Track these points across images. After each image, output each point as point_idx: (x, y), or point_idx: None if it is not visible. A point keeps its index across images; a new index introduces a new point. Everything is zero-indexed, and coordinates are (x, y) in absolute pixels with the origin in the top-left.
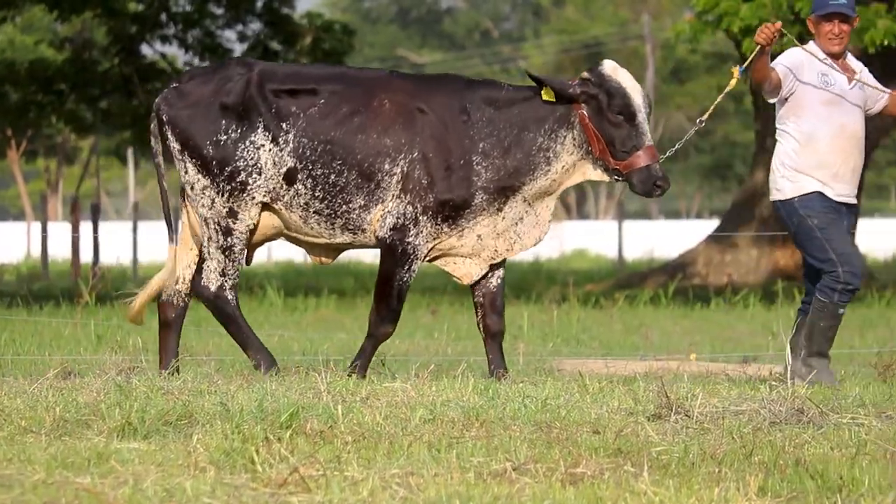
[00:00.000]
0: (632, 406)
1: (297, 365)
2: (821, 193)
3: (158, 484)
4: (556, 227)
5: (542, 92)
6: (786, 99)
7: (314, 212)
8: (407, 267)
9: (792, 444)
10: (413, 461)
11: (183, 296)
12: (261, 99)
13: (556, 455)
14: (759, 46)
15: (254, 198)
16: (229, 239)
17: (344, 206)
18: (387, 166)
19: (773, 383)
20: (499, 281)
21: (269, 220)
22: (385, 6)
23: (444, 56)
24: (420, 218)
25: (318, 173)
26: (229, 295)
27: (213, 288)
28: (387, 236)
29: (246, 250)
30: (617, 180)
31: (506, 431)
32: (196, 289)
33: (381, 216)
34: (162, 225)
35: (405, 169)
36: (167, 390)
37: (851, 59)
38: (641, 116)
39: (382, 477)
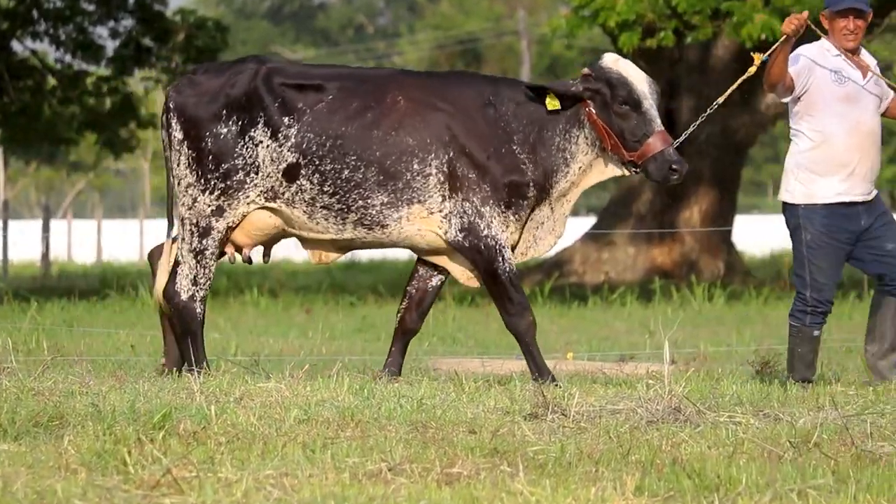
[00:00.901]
0: (508, 405)
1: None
2: (828, 206)
3: (29, 486)
4: None
5: (547, 101)
6: (799, 97)
7: (322, 206)
8: (501, 257)
9: (669, 442)
10: (287, 462)
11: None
12: (265, 91)
13: (431, 455)
14: (784, 37)
15: (248, 196)
16: (204, 241)
17: (360, 202)
18: (416, 166)
19: (650, 382)
20: (437, 283)
21: (269, 220)
22: (258, 2)
23: (317, 52)
24: (483, 209)
25: (328, 168)
26: (198, 308)
27: (183, 297)
28: (460, 239)
29: (216, 257)
30: (635, 173)
31: (381, 431)
32: (167, 293)
33: (440, 224)
34: (31, 224)
35: (444, 169)
36: (37, 391)
37: (865, 55)
38: (648, 103)
39: (256, 478)
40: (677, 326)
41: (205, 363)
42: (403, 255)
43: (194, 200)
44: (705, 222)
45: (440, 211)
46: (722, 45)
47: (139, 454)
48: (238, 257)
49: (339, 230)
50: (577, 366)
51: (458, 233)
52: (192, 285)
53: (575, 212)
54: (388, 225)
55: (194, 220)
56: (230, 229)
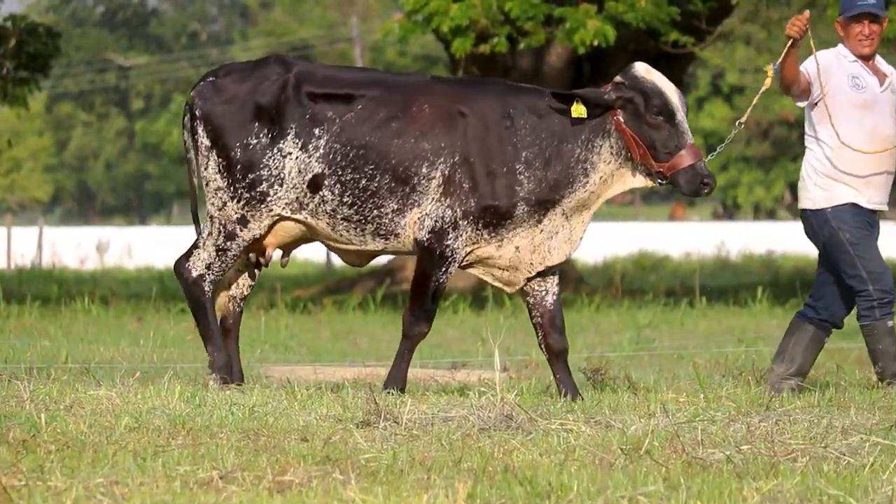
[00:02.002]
0: (340, 413)
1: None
2: (854, 204)
3: None
4: None
5: (573, 109)
6: (815, 103)
7: (342, 218)
8: (444, 269)
9: (501, 450)
10: (118, 470)
11: (237, 300)
12: (296, 102)
13: (263, 463)
14: (790, 41)
15: (271, 210)
16: (229, 243)
17: (375, 212)
18: (425, 170)
19: (482, 389)
20: (554, 298)
21: (296, 229)
22: (91, 8)
23: (150, 59)
24: (460, 222)
25: (348, 178)
26: (206, 287)
27: (194, 273)
28: (424, 239)
29: (239, 257)
30: (661, 184)
31: (212, 439)
32: (178, 267)
33: (419, 219)
34: None
35: (446, 172)
36: None
37: (881, 62)
38: (681, 115)
39: (87, 486)
40: (510, 334)
41: (219, 342)
42: None
43: (223, 203)
44: None
45: (423, 212)
46: (555, 51)
47: None
48: (264, 258)
49: (360, 241)
50: (410, 373)
51: (427, 234)
52: (205, 269)
53: None
54: (399, 234)
55: (223, 222)
56: (256, 240)
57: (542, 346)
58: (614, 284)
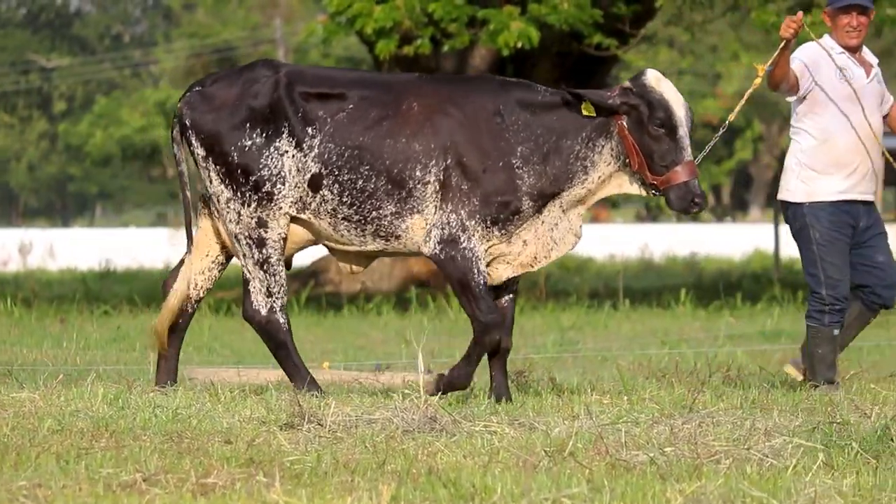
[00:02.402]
0: (264, 415)
1: None
2: (834, 203)
3: None
4: None
5: (582, 107)
6: (804, 96)
7: (343, 218)
8: (474, 268)
9: (425, 452)
10: (41, 473)
11: (192, 301)
12: (289, 101)
13: (186, 465)
14: (783, 42)
15: (281, 208)
16: (264, 250)
17: (374, 213)
18: (418, 173)
19: (406, 391)
20: (509, 299)
21: (301, 231)
22: (14, 10)
23: (73, 60)
24: (467, 223)
25: (345, 178)
26: (281, 318)
27: (263, 312)
28: (438, 251)
29: (283, 260)
30: (654, 195)
31: (136, 442)
32: (246, 314)
33: (426, 231)
34: None
35: (441, 177)
36: None
37: (867, 53)
38: (683, 131)
39: (9, 489)
40: (434, 336)
41: (306, 372)
42: (159, 264)
43: (239, 215)
44: None
45: (428, 221)
46: (479, 53)
47: None
48: None
49: (361, 241)
50: (334, 375)
51: (437, 245)
52: (268, 297)
53: None
54: (400, 235)
55: (246, 234)
56: (283, 240)
57: None
58: (538, 286)
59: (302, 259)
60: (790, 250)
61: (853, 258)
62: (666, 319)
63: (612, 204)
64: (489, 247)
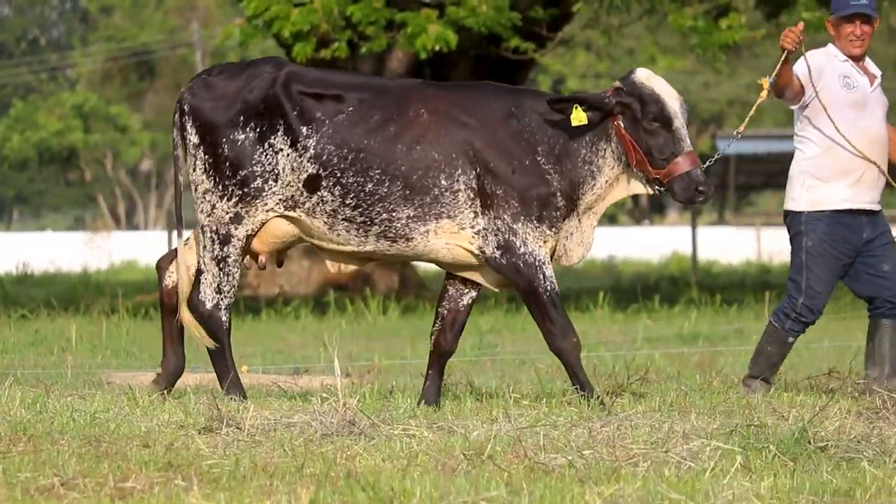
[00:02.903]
0: (182, 419)
1: None
2: (833, 214)
3: None
4: (105, 238)
5: (572, 116)
6: (807, 104)
7: (344, 219)
8: (542, 275)
9: (343, 455)
10: None
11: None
12: (285, 99)
13: (105, 469)
14: (784, 52)
15: (266, 204)
16: (226, 248)
17: (384, 215)
18: (444, 181)
19: (325, 395)
20: (469, 301)
21: (287, 228)
22: None
23: None
24: (515, 226)
25: (350, 181)
26: (223, 317)
27: (208, 306)
28: (498, 257)
29: (240, 261)
30: (659, 191)
31: (54, 446)
32: (191, 304)
33: (473, 238)
34: None
35: (474, 185)
36: None
37: (870, 64)
38: (678, 122)
39: None
40: (352, 340)
41: (235, 375)
42: (76, 268)
43: (213, 207)
44: None
45: (472, 227)
46: (396, 56)
47: None
48: (255, 265)
49: (360, 242)
50: (252, 379)
51: (495, 250)
52: (217, 293)
53: None
54: (413, 238)
55: (214, 228)
56: (250, 237)
57: (432, 339)
58: None
59: None
60: (707, 253)
61: (861, 270)
62: (584, 322)
63: None
64: (550, 248)
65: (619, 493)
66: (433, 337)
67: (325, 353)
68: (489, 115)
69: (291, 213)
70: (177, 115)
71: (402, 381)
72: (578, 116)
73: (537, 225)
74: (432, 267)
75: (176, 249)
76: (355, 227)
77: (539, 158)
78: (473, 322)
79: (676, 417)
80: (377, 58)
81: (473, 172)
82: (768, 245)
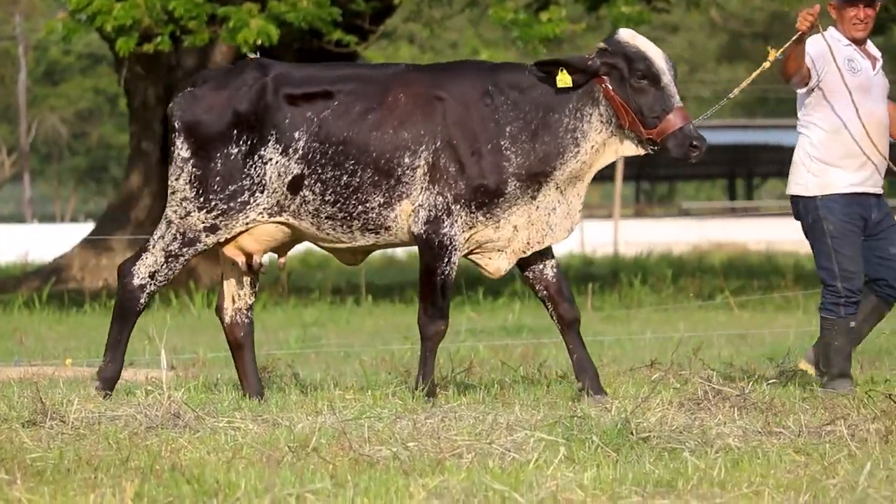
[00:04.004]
0: (6, 412)
1: None
2: (845, 195)
3: None
4: None
5: (557, 79)
6: (812, 89)
7: (326, 217)
8: (447, 259)
9: (168, 448)
10: None
11: (244, 312)
12: (276, 107)
13: None
14: (798, 34)
15: (248, 216)
16: (184, 249)
17: (360, 207)
18: (407, 160)
19: (149, 388)
20: (554, 270)
21: (278, 233)
22: None
23: None
24: (452, 207)
25: (328, 176)
26: (142, 299)
27: (135, 282)
28: (422, 231)
29: (188, 262)
30: (653, 150)
31: None
32: (121, 269)
33: (413, 211)
34: None
35: (430, 160)
36: None
37: (871, 46)
38: (667, 78)
39: None
40: (177, 333)
41: (121, 358)
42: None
43: (187, 213)
44: None
45: (416, 202)
46: (219, 50)
47: None
48: (252, 265)
49: (350, 238)
50: (77, 372)
51: (423, 225)
52: (149, 278)
53: (73, 217)
54: (389, 227)
55: (182, 230)
56: (218, 244)
57: (554, 317)
58: (280, 283)
59: (44, 256)
60: None
61: (865, 251)
62: (408, 315)
63: None
64: (472, 233)
65: (443, 485)
66: (553, 318)
67: (150, 347)
68: (463, 94)
69: (278, 219)
70: (167, 131)
71: (228, 374)
72: (564, 79)
73: (473, 211)
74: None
75: (223, 288)
76: (339, 223)
77: (503, 143)
78: (298, 315)
79: (501, 409)
80: (201, 51)
81: (434, 146)
82: (591, 237)
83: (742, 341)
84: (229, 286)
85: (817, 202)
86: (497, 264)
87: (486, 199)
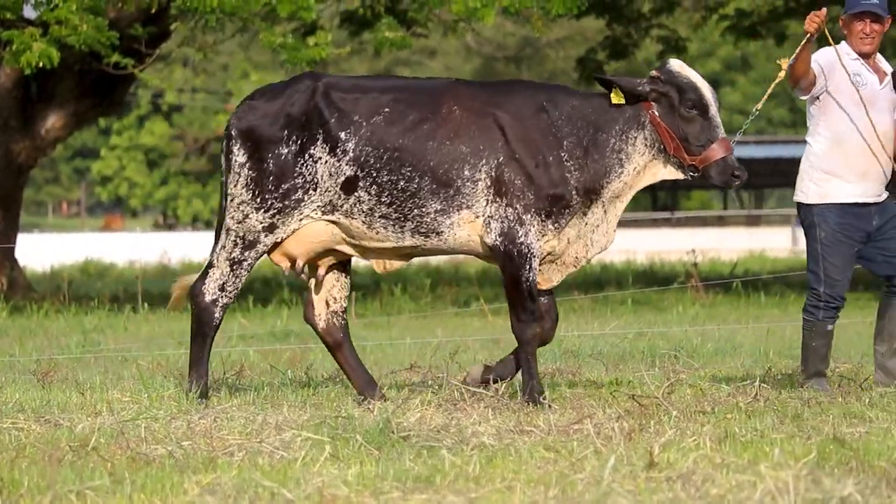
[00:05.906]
0: None
1: None
2: (843, 205)
3: None
4: None
5: (612, 95)
6: (817, 97)
7: (380, 216)
8: (528, 266)
9: None
10: None
11: (339, 315)
12: (325, 107)
13: None
14: (807, 36)
15: (302, 213)
16: (246, 252)
17: (416, 210)
18: (467, 172)
19: None
20: (547, 296)
21: (326, 229)
22: None
23: None
24: (524, 217)
25: (385, 180)
26: (217, 315)
27: (207, 298)
28: (497, 242)
29: (251, 268)
30: (692, 177)
31: None
32: (193, 291)
33: (484, 223)
34: None
35: (493, 174)
36: None
37: (881, 60)
38: (714, 110)
39: None
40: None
41: (204, 371)
42: None
43: (245, 216)
44: None
45: (483, 215)
46: (3, 72)
47: None
48: (292, 271)
49: (398, 238)
50: None
51: (497, 237)
52: (219, 291)
53: None
54: (442, 232)
55: (241, 234)
56: (276, 244)
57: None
58: (62, 291)
59: None
60: None
61: (874, 253)
62: (183, 322)
63: (133, 213)
64: (544, 242)
65: (216, 482)
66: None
67: None
68: (520, 109)
69: (330, 217)
70: (225, 141)
71: (11, 377)
72: (618, 96)
73: (543, 220)
74: (36, 268)
75: (311, 296)
76: (391, 223)
77: (563, 155)
78: (78, 321)
79: (270, 410)
80: None
81: (496, 161)
82: None
83: (495, 345)
84: (322, 292)
85: (814, 209)
86: (548, 275)
87: (554, 208)
